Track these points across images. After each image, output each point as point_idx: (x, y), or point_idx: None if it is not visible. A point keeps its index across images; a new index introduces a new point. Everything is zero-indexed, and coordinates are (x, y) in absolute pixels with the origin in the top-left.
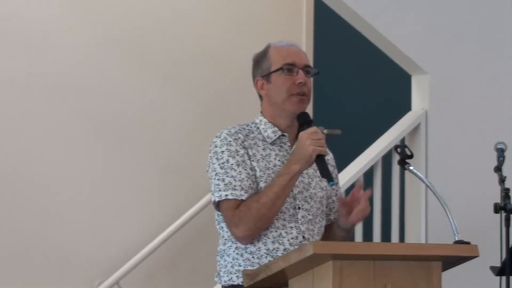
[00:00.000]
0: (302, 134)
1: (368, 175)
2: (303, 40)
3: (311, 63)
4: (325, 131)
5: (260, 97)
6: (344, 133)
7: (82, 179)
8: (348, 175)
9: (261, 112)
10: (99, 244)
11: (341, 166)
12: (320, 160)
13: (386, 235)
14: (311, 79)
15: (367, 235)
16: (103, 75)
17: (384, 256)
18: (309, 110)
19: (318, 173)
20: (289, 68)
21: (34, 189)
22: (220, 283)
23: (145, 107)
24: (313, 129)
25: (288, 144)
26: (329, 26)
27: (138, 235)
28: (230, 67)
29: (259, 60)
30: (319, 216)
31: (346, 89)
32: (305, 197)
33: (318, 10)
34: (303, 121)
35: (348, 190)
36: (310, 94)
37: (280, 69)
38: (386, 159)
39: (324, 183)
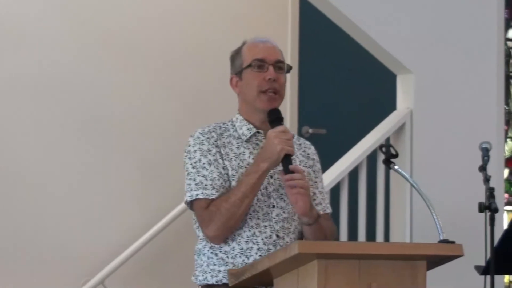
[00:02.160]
0: (270, 132)
1: (353, 175)
2: (288, 39)
3: (295, 61)
4: (310, 130)
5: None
6: (329, 132)
7: (67, 178)
8: (333, 175)
9: (238, 110)
10: (84, 243)
11: (326, 166)
12: (286, 159)
13: (371, 235)
14: (285, 75)
15: (352, 234)
16: (90, 74)
17: (369, 255)
18: (294, 109)
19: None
20: (259, 65)
21: (18, 189)
22: (196, 282)
23: (131, 106)
24: (282, 127)
25: (264, 141)
26: (315, 26)
27: (123, 234)
28: (217, 67)
29: (234, 57)
30: (296, 214)
31: (331, 88)
32: (281, 194)
33: (304, 9)
34: (274, 119)
35: (333, 190)
36: (282, 90)
37: (250, 65)
38: (371, 159)
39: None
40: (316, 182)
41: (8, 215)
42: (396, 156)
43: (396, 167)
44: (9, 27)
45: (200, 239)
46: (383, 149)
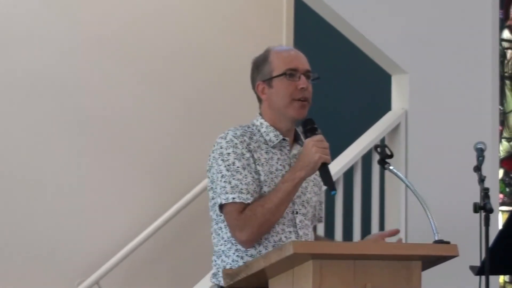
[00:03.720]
0: (309, 141)
1: (348, 175)
2: (283, 39)
3: None
4: None
5: (259, 100)
6: (324, 132)
7: (62, 178)
8: None
9: (260, 114)
10: (79, 243)
11: None
12: (324, 168)
13: (366, 235)
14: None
15: (347, 234)
16: (87, 73)
17: (364, 255)
18: None
19: (311, 177)
20: (291, 73)
21: (13, 189)
22: (218, 283)
23: (128, 105)
24: (319, 137)
25: (288, 148)
26: (310, 26)
27: (118, 234)
28: (213, 67)
29: (260, 64)
30: (311, 221)
31: (327, 89)
32: (302, 201)
33: (299, 10)
34: (309, 128)
35: (327, 190)
36: (310, 98)
37: (283, 74)
38: (366, 159)
39: (316, 188)
40: (321, 192)
41: (3, 215)
42: (391, 156)
43: (391, 167)
44: (2, 27)
45: (225, 241)
46: (378, 149)
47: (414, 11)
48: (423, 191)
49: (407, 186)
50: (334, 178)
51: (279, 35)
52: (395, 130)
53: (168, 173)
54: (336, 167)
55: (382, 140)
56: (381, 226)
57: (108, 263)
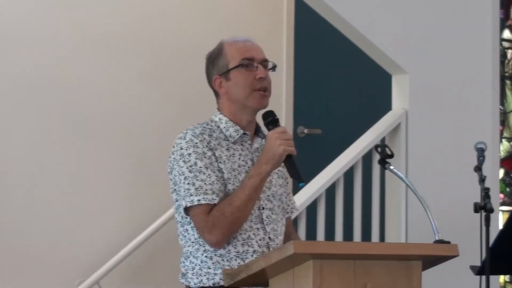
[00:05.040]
0: (272, 133)
1: (349, 175)
2: (283, 39)
3: (291, 62)
4: (305, 130)
5: (216, 95)
6: (325, 132)
7: (60, 178)
8: (328, 175)
9: (218, 110)
10: (79, 243)
11: (321, 166)
12: (289, 160)
13: (366, 235)
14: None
15: (348, 234)
16: (87, 73)
17: (365, 255)
18: (290, 109)
19: (275, 170)
20: (248, 64)
21: (11, 189)
22: (187, 284)
23: (128, 105)
24: (281, 128)
25: (249, 142)
26: (310, 26)
27: (118, 234)
28: None
29: (214, 58)
30: (280, 214)
31: (327, 88)
32: (268, 196)
33: (299, 9)
34: (270, 120)
35: (329, 190)
36: (270, 88)
37: (240, 65)
38: (367, 159)
39: (281, 179)
40: (287, 183)
41: (3, 215)
42: (391, 156)
43: (391, 167)
44: (2, 27)
45: (192, 242)
46: (379, 149)
47: (414, 11)
48: (423, 191)
49: (407, 186)
50: (334, 178)
51: (279, 35)
52: (395, 130)
53: (166, 173)
54: (337, 167)
55: (383, 140)
56: (381, 226)
57: (108, 263)
